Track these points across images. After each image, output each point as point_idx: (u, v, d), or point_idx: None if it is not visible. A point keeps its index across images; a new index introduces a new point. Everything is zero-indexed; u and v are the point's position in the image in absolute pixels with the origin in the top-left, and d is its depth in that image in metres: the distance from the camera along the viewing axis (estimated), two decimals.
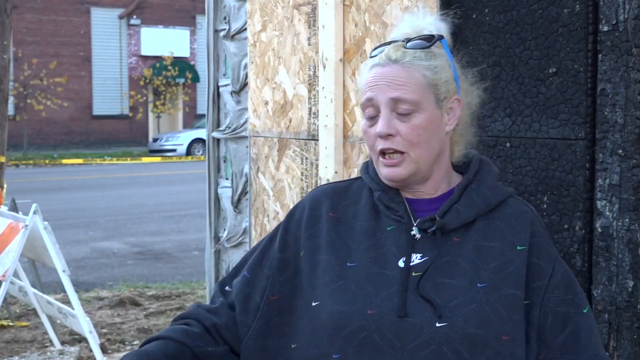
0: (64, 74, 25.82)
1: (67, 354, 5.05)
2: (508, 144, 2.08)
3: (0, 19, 6.86)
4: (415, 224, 1.52)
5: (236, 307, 1.59)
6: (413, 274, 1.49)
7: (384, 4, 2.37)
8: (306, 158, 2.67)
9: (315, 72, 2.63)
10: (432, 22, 1.58)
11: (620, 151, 1.82)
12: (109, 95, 27.58)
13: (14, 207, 5.52)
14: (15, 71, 22.89)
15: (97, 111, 27.29)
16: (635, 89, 1.79)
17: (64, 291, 4.86)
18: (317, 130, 2.60)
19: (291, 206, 2.74)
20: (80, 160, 21.17)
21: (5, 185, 6.91)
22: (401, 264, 1.50)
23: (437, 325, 1.44)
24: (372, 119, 1.54)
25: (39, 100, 24.68)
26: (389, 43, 1.55)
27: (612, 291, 1.85)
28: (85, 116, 26.99)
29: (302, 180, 2.69)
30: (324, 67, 2.52)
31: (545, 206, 2.00)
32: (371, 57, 1.57)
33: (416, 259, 1.51)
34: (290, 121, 2.74)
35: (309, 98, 2.66)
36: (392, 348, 1.44)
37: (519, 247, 1.50)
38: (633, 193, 1.80)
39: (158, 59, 28.13)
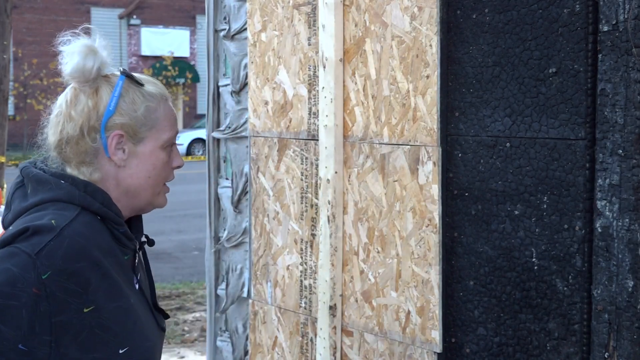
0: None
1: None
2: (508, 144, 2.08)
3: (0, 19, 6.86)
4: (138, 249, 1.71)
5: None
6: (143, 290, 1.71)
7: (384, 4, 2.37)
8: (306, 158, 2.68)
9: (315, 72, 2.63)
10: None
11: (620, 151, 1.82)
12: None
13: None
14: (15, 71, 22.89)
15: None
16: (635, 89, 1.79)
17: None
18: (317, 130, 2.60)
19: (291, 206, 2.74)
20: None
21: (5, 185, 6.91)
22: (137, 286, 1.68)
23: (163, 326, 1.76)
24: (167, 151, 1.68)
25: (39, 100, 24.68)
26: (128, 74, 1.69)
27: (612, 291, 1.85)
28: None
29: (302, 180, 2.69)
30: (324, 67, 2.52)
31: (545, 206, 2.00)
32: (155, 90, 1.68)
33: (137, 277, 1.70)
34: (290, 121, 2.74)
35: (309, 98, 2.66)
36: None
37: None
38: (633, 193, 1.80)
39: (158, 59, 28.14)
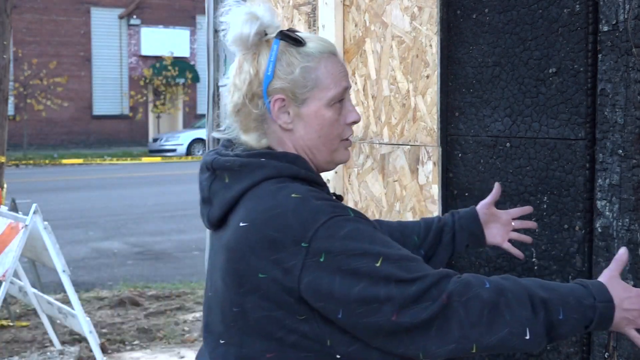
0: (64, 74, 25.81)
1: (67, 354, 5.05)
2: (508, 144, 2.08)
3: (0, 19, 6.86)
4: None
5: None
6: None
7: (384, 4, 2.37)
8: None
9: None
10: None
11: (620, 151, 1.82)
12: (109, 95, 27.58)
13: (14, 207, 5.52)
14: (15, 71, 22.90)
15: (97, 111, 27.29)
16: (635, 89, 1.79)
17: (64, 291, 4.86)
18: None
19: None
20: (80, 160, 21.17)
21: (5, 185, 6.91)
22: None
23: None
24: (336, 108, 1.59)
25: (39, 100, 24.67)
26: (293, 33, 1.59)
27: None
28: (85, 116, 26.99)
29: None
30: None
31: (545, 206, 2.00)
32: (314, 48, 1.59)
33: None
34: None
35: None
36: None
37: None
38: (633, 193, 1.80)
39: (158, 59, 28.13)
